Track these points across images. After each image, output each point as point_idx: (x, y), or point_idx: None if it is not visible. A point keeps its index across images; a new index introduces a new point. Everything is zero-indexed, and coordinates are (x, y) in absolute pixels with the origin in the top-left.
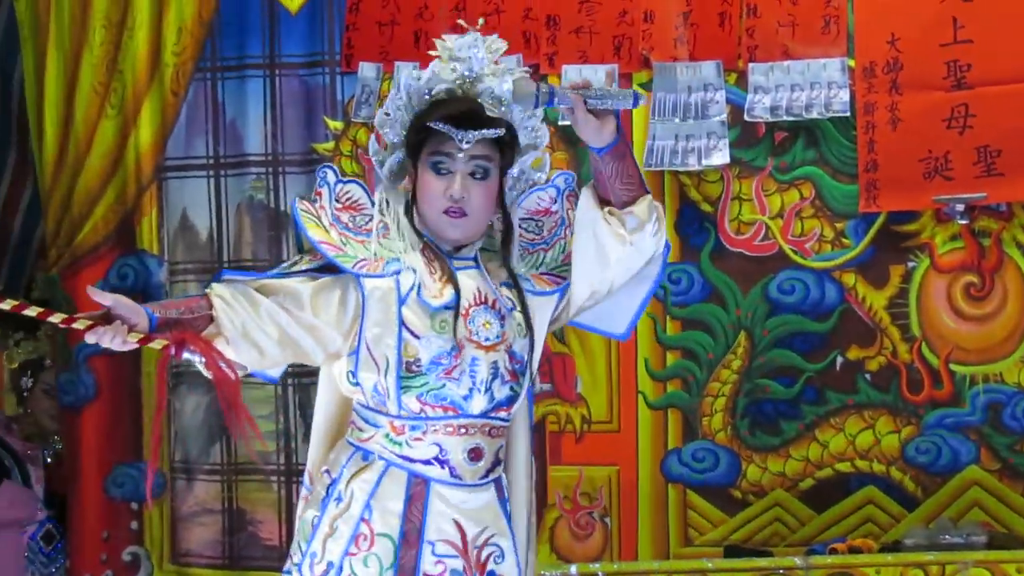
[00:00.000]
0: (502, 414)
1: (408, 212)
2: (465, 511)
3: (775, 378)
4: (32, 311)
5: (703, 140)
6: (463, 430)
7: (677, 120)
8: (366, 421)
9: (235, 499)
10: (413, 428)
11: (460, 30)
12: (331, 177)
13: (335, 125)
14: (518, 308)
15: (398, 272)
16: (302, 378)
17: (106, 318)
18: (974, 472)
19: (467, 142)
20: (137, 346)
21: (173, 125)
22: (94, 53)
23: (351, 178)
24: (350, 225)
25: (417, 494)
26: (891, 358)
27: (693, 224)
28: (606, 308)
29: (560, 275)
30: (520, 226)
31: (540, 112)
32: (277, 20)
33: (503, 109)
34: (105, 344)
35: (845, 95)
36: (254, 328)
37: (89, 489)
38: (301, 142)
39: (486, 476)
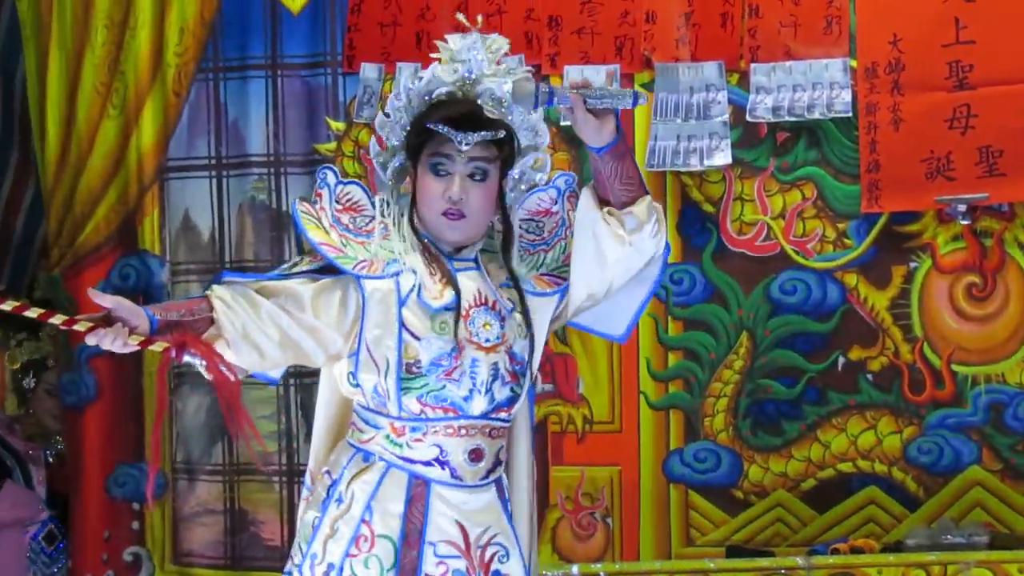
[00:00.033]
0: (503, 415)
1: (408, 213)
2: (466, 512)
3: (777, 378)
4: (33, 312)
5: (705, 140)
6: (463, 431)
7: (679, 120)
8: (366, 422)
9: (237, 499)
10: (413, 429)
11: (462, 28)
12: (331, 178)
13: (337, 126)
14: (518, 309)
15: (398, 273)
16: (303, 378)
17: (107, 320)
18: (976, 472)
19: (466, 144)
20: (138, 348)
21: (175, 125)
22: (96, 53)
23: (351, 179)
24: (350, 226)
25: (418, 495)
26: (893, 358)
27: (695, 224)
28: (605, 309)
29: (560, 276)
30: (521, 227)
31: (541, 113)
32: (279, 20)
33: (503, 111)
34: (106, 346)
35: (847, 95)
36: (255, 330)
37: (91, 489)
38: (303, 143)
39: (487, 477)
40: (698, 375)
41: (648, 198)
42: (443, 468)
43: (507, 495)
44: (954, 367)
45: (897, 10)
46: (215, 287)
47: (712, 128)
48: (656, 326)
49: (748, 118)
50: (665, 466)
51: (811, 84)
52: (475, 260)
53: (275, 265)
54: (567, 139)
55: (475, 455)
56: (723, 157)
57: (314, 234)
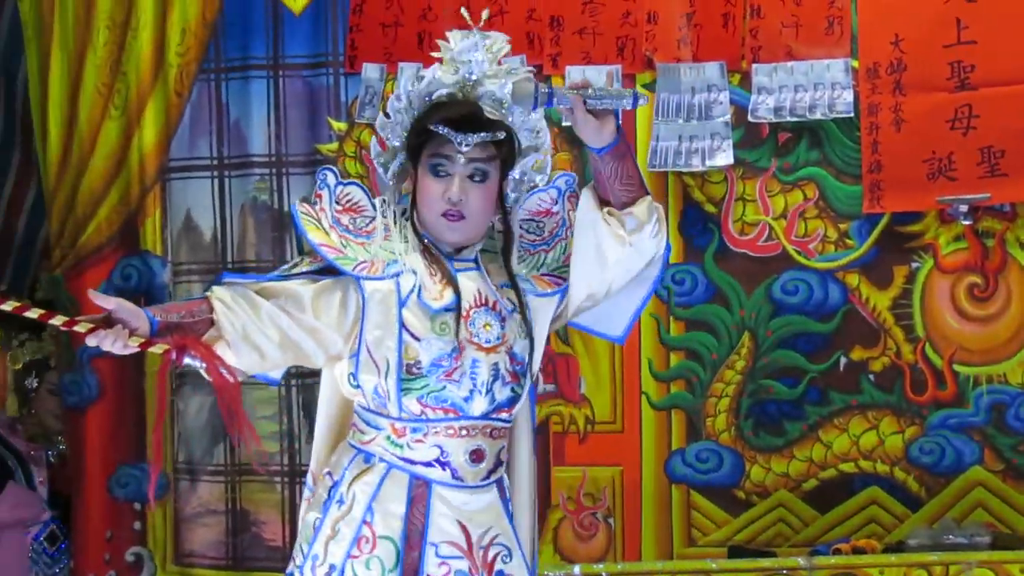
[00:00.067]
0: (503, 415)
1: (409, 214)
2: (467, 513)
3: (779, 379)
4: (34, 313)
5: (707, 141)
6: (464, 432)
7: (681, 121)
8: (367, 423)
9: (239, 500)
10: (414, 430)
11: (464, 25)
12: (331, 179)
13: (339, 126)
14: (517, 310)
15: (398, 274)
16: (305, 379)
17: (107, 321)
18: (978, 473)
19: (466, 145)
20: (138, 350)
21: (177, 126)
22: (98, 54)
23: (351, 180)
24: (350, 227)
25: (419, 496)
26: (895, 359)
27: (697, 225)
28: (605, 310)
29: (561, 276)
30: (521, 227)
31: (541, 113)
32: (281, 21)
33: (503, 112)
34: (106, 348)
35: (849, 96)
36: (255, 331)
37: (93, 489)
38: (305, 143)
39: (488, 477)
40: (700, 375)
41: (648, 198)
42: (444, 469)
43: (508, 495)
44: (956, 367)
45: (899, 10)
46: (215, 288)
47: (714, 128)
48: (658, 326)
49: (750, 118)
50: (667, 466)
51: (813, 84)
52: (475, 260)
53: (277, 266)
54: (569, 139)
55: (476, 456)
56: (725, 157)
57: (314, 235)
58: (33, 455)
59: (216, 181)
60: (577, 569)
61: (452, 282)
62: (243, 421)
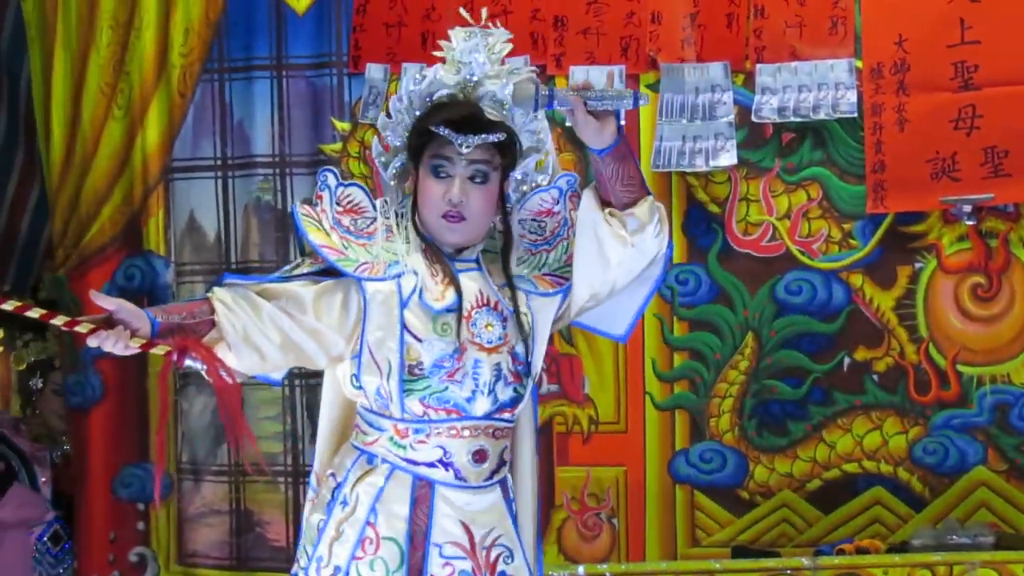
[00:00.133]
0: (506, 415)
1: (410, 215)
2: (470, 513)
3: (782, 379)
4: (35, 312)
5: (710, 141)
6: (467, 432)
7: (684, 121)
8: (370, 425)
9: (242, 500)
10: (417, 431)
11: (466, 24)
12: (332, 180)
13: (342, 126)
14: (516, 311)
15: (400, 275)
16: (308, 379)
17: (108, 322)
18: (981, 473)
19: (467, 146)
20: (139, 351)
21: (180, 126)
22: (101, 54)
23: (352, 181)
24: (351, 228)
25: (422, 497)
26: (898, 359)
27: (700, 225)
28: (607, 309)
29: (563, 276)
30: (523, 227)
31: (542, 114)
32: (284, 21)
33: (504, 113)
34: (107, 348)
35: (852, 96)
36: (256, 332)
37: (96, 490)
38: (308, 143)
39: (491, 478)
40: (704, 375)
41: (650, 199)
42: (447, 469)
43: (512, 495)
44: (959, 367)
45: (902, 11)
46: (216, 289)
47: (717, 129)
48: (661, 326)
49: (753, 119)
50: (671, 466)
51: (816, 85)
52: (477, 261)
53: (281, 266)
54: (571, 139)
55: (479, 456)
56: (728, 158)
57: (315, 236)
58: (37, 455)
59: (219, 181)
60: (581, 569)
61: (454, 282)
62: (241, 424)
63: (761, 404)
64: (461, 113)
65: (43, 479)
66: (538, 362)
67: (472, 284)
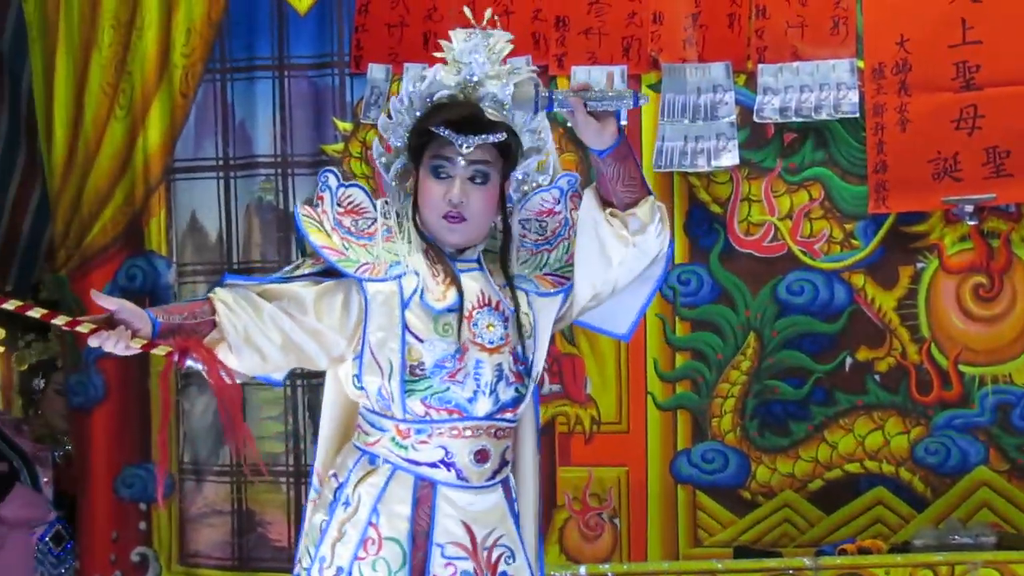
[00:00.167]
0: (508, 415)
1: (411, 215)
2: (472, 513)
3: (784, 379)
4: (36, 312)
5: (712, 141)
6: (468, 432)
7: (686, 121)
8: (372, 425)
9: (244, 500)
10: (418, 431)
11: (467, 24)
12: (332, 181)
13: (344, 126)
14: (516, 311)
15: (401, 276)
16: (310, 379)
17: (109, 323)
18: (983, 473)
19: (467, 147)
20: (140, 352)
21: (182, 126)
22: (103, 54)
23: (353, 182)
24: (352, 229)
25: (424, 497)
26: (900, 359)
27: (702, 225)
28: (609, 308)
29: (564, 276)
30: (524, 227)
31: (543, 114)
32: (286, 21)
33: (505, 113)
34: (108, 349)
35: (854, 96)
36: (257, 333)
37: (98, 490)
38: (310, 143)
39: (493, 477)
40: (705, 376)
41: (651, 199)
42: (449, 470)
43: (514, 495)
44: (961, 368)
45: (904, 11)
46: (217, 290)
47: (719, 129)
48: (663, 327)
49: (755, 119)
50: (672, 467)
51: (818, 85)
52: (478, 261)
53: (282, 266)
54: (573, 140)
55: (481, 456)
56: (730, 158)
57: (316, 237)
58: (39, 456)
59: (221, 181)
60: (583, 569)
61: (455, 282)
62: (241, 426)
63: (763, 404)
64: (461, 114)
65: (45, 479)
66: (540, 362)
67: (473, 284)
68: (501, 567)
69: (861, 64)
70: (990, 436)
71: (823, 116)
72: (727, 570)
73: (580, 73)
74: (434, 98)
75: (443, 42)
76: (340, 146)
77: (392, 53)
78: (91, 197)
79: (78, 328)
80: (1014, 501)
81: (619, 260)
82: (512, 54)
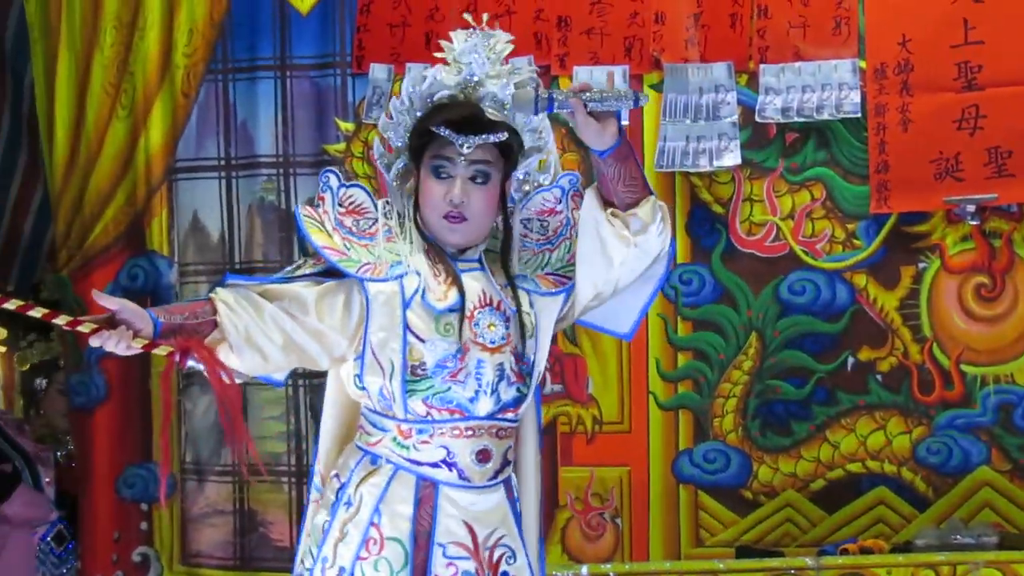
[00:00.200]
0: (509, 415)
1: (412, 215)
2: (474, 513)
3: (786, 379)
4: (37, 312)
5: (714, 141)
6: (470, 432)
7: (688, 121)
8: (373, 425)
9: (246, 500)
10: (420, 431)
11: (468, 25)
12: (334, 182)
13: (346, 126)
14: (517, 311)
15: (402, 276)
16: (312, 379)
17: (111, 322)
18: (985, 473)
19: (467, 147)
20: (141, 351)
21: (184, 126)
22: (105, 54)
23: (354, 182)
24: (353, 229)
25: (426, 497)
26: (902, 359)
27: (704, 225)
28: (611, 307)
29: (565, 275)
30: (525, 227)
31: (543, 116)
32: (288, 21)
33: (505, 113)
34: (109, 349)
35: (856, 96)
36: (258, 333)
37: (100, 490)
38: (312, 143)
39: (495, 477)
40: (707, 375)
41: (652, 199)
42: (451, 469)
43: (516, 495)
44: (963, 367)
45: (906, 11)
46: (218, 290)
47: (721, 129)
48: (665, 326)
49: (757, 119)
50: (674, 466)
51: (820, 85)
52: (479, 261)
53: (284, 266)
54: (575, 140)
55: (482, 456)
56: (732, 158)
57: (317, 238)
58: (41, 456)
59: (223, 182)
60: (585, 569)
61: (456, 282)
62: (241, 427)
63: (765, 404)
64: (462, 114)
65: (47, 479)
66: (541, 362)
67: (475, 284)
68: (502, 567)
69: (863, 64)
70: (992, 436)
71: (825, 116)
72: (729, 570)
73: (582, 73)
74: (434, 98)
75: (443, 42)
76: (342, 146)
77: (394, 53)
78: (93, 197)
79: (79, 328)
80: (1016, 501)
81: (620, 260)
82: (514, 54)
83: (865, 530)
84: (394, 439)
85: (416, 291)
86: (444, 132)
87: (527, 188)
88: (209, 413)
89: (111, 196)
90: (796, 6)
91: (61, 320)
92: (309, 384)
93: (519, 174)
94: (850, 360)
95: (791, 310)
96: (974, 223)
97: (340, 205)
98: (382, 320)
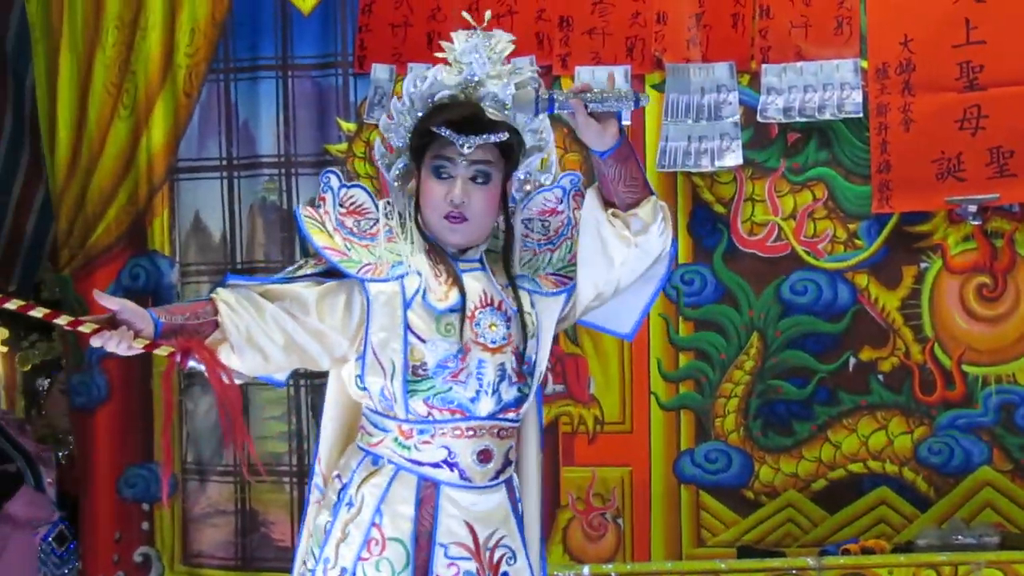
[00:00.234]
0: (510, 415)
1: (413, 215)
2: (475, 513)
3: (788, 379)
4: (38, 312)
5: (716, 141)
6: (471, 432)
7: (690, 121)
8: (375, 426)
9: (247, 500)
10: (421, 432)
11: (469, 26)
12: (335, 182)
13: (348, 127)
14: (519, 311)
15: (403, 276)
16: (314, 379)
17: (112, 322)
18: (986, 473)
19: (468, 147)
20: (142, 352)
21: (186, 126)
22: (107, 54)
23: (355, 183)
24: (354, 230)
25: (427, 497)
26: (904, 359)
27: (706, 225)
28: (613, 307)
29: (567, 275)
30: (527, 227)
31: (543, 117)
32: (290, 21)
33: (506, 113)
34: (110, 349)
35: (858, 96)
36: (259, 334)
37: (101, 490)
38: (314, 143)
39: (496, 477)
40: (709, 376)
41: (653, 199)
42: (452, 470)
43: (518, 496)
44: (965, 367)
45: (908, 11)
46: (219, 290)
47: (723, 129)
48: (667, 326)
49: (759, 119)
50: (676, 466)
51: (822, 85)
52: (480, 261)
53: (286, 266)
54: (577, 140)
55: (484, 456)
56: (734, 158)
57: (318, 238)
58: (42, 456)
59: (225, 181)
60: (586, 569)
61: (457, 283)
62: (241, 428)
63: (766, 404)
64: (462, 114)
65: (49, 480)
66: (542, 362)
67: (476, 284)
68: (503, 568)
69: (865, 64)
70: (993, 436)
71: (827, 116)
72: (730, 570)
73: (584, 73)
74: (435, 98)
75: (444, 42)
76: (344, 146)
77: (396, 53)
78: (95, 197)
79: (80, 328)
80: (1017, 501)
81: (621, 260)
82: (516, 54)
83: (867, 530)
84: (395, 439)
85: (417, 291)
86: (445, 132)
87: (528, 188)
88: (210, 413)
89: (113, 196)
90: (798, 6)
91: (62, 320)
92: (310, 384)
93: (520, 174)
94: (852, 360)
95: (793, 310)
96: (976, 223)
97: (341, 205)
98: (383, 320)
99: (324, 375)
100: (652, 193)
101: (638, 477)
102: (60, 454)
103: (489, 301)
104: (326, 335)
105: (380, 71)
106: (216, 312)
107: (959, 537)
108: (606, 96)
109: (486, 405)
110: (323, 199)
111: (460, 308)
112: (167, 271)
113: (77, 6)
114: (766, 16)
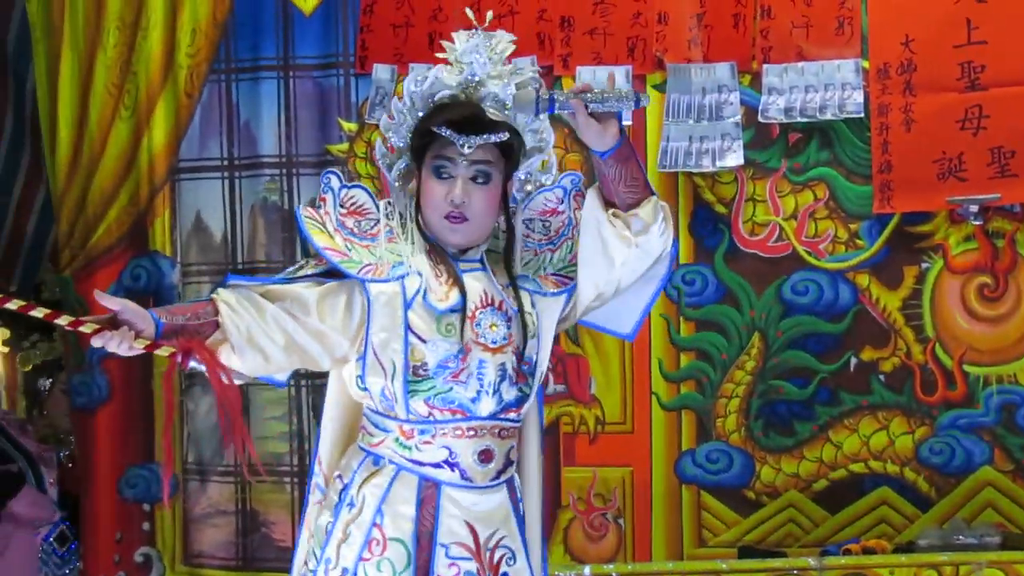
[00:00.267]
0: (511, 415)
1: (414, 215)
2: (476, 513)
3: (789, 379)
4: (39, 312)
5: (717, 141)
6: (472, 432)
7: (691, 121)
8: (376, 426)
9: (248, 500)
10: (422, 432)
11: (470, 26)
12: (335, 183)
13: (349, 127)
14: (519, 311)
15: (403, 276)
16: (315, 379)
17: (113, 323)
18: (988, 473)
19: (468, 147)
20: (143, 352)
21: (187, 126)
22: (108, 54)
23: (355, 183)
24: (355, 230)
25: (428, 497)
26: (905, 359)
27: (707, 225)
28: (613, 308)
29: (567, 276)
30: (527, 227)
31: (544, 117)
32: (291, 21)
33: (506, 113)
34: (111, 349)
35: (859, 96)
36: (260, 334)
37: (102, 490)
38: (315, 144)
39: (497, 478)
40: (710, 376)
41: (654, 199)
42: (453, 470)
43: (519, 496)
44: (966, 368)
45: (909, 11)
46: (220, 290)
47: (724, 129)
48: (668, 327)
49: (760, 119)
50: (677, 467)
51: (823, 85)
52: (481, 261)
53: (287, 266)
54: (578, 140)
55: (485, 456)
56: (735, 158)
57: (318, 239)
58: (44, 456)
59: (226, 182)
60: (587, 570)
61: (458, 283)
62: (240, 428)
63: (767, 404)
64: (463, 114)
65: (50, 480)
66: (543, 362)
67: (476, 284)
68: (503, 568)
69: (866, 64)
70: (995, 436)
71: (828, 116)
72: (731, 570)
73: (585, 73)
74: (436, 98)
75: (445, 43)
76: (345, 146)
77: (397, 53)
78: (96, 197)
79: (81, 328)
80: (1018, 501)
81: (622, 261)
82: (517, 54)
83: (868, 530)
84: (396, 440)
85: (417, 291)
86: (445, 132)
87: (529, 188)
88: (211, 413)
89: (114, 196)
90: (799, 6)
91: (63, 320)
92: (311, 384)
93: (520, 174)
94: (853, 360)
95: (794, 310)
96: (977, 223)
97: (342, 206)
98: (384, 321)
99: (325, 375)
100: (653, 193)
101: (639, 477)
102: (61, 454)
103: (490, 301)
104: (327, 335)
105: (381, 71)
106: (217, 312)
107: (960, 537)
108: (607, 96)
109: (487, 405)
110: (324, 199)
111: (461, 308)
112: (168, 271)
113: (78, 6)
114: (767, 16)
